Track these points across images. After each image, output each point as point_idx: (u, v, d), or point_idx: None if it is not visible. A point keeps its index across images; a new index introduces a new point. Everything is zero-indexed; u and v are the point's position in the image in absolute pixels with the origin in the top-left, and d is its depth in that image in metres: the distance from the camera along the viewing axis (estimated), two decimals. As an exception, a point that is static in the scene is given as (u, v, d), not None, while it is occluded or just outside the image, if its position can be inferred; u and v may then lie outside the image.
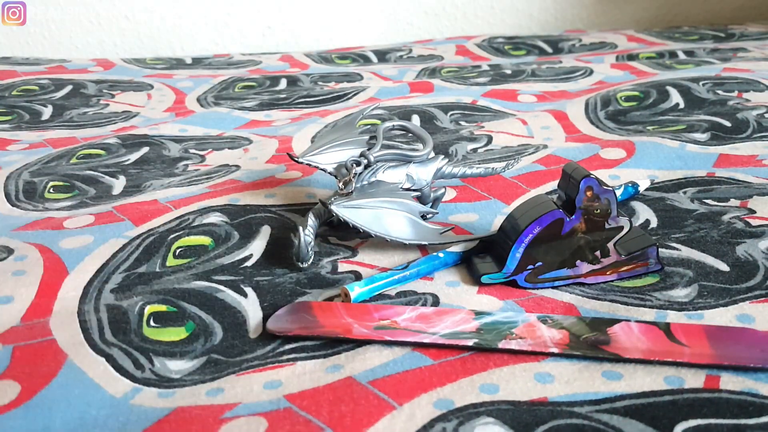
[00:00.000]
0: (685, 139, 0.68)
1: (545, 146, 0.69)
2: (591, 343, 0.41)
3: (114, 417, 0.37)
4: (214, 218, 0.56)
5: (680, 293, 0.46)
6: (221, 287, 0.48)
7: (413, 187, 0.54)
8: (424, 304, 0.46)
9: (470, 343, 0.41)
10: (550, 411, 0.37)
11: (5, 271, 0.49)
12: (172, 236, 0.53)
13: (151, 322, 0.44)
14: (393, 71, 0.99)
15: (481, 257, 0.49)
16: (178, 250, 0.52)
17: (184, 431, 0.36)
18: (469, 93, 0.85)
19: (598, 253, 0.47)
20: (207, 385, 0.39)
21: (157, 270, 0.50)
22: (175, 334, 0.43)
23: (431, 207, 0.56)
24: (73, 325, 0.44)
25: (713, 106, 0.76)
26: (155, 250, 0.52)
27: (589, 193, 0.46)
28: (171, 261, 0.51)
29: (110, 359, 0.41)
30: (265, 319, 0.44)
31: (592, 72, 0.93)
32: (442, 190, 0.57)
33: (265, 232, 0.54)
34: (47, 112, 0.84)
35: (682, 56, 1.00)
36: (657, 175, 0.62)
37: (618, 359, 0.40)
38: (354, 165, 0.53)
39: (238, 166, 0.67)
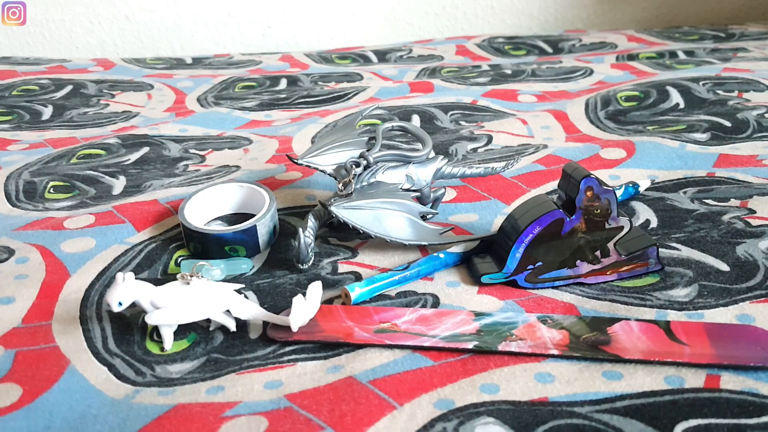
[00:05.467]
0: (685, 139, 0.68)
1: (545, 146, 0.69)
2: (591, 344, 0.41)
3: (114, 414, 0.37)
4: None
5: (680, 293, 0.46)
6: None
7: (413, 188, 0.54)
8: (424, 305, 0.46)
9: (470, 346, 0.41)
10: (551, 411, 0.37)
11: (6, 273, 0.49)
12: (173, 245, 0.53)
13: (155, 336, 0.44)
14: (393, 71, 0.99)
15: (482, 257, 0.49)
16: (179, 259, 0.52)
17: (185, 429, 0.36)
18: (469, 93, 0.85)
19: (598, 253, 0.47)
20: (207, 383, 0.39)
21: (159, 277, 0.50)
22: (177, 345, 0.43)
23: (431, 207, 0.56)
24: (75, 331, 0.44)
25: (713, 106, 0.76)
26: (156, 257, 0.52)
27: (589, 193, 0.46)
28: (173, 269, 0.51)
29: (112, 369, 0.41)
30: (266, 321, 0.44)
31: (592, 72, 0.93)
32: (442, 190, 0.57)
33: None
34: (47, 112, 0.84)
35: (682, 56, 1.00)
36: (657, 175, 0.62)
37: (618, 360, 0.40)
38: (353, 166, 0.53)
39: (238, 167, 0.67)
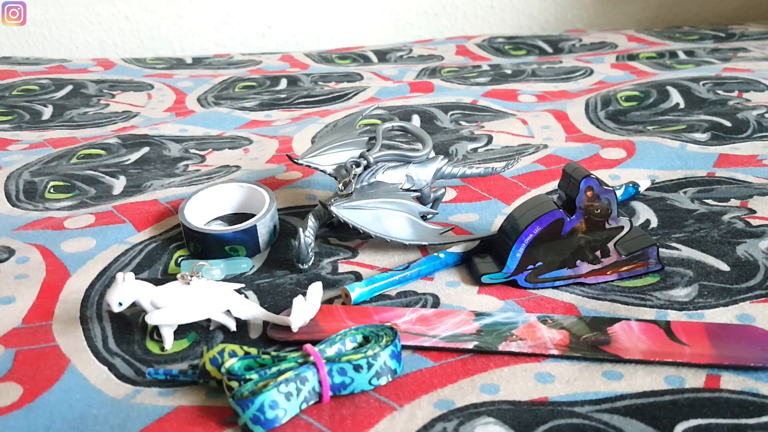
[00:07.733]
0: (686, 139, 0.68)
1: (545, 146, 0.69)
2: (591, 344, 0.41)
3: (114, 414, 0.37)
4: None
5: (680, 293, 0.46)
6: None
7: (413, 188, 0.54)
8: (424, 305, 0.46)
9: (470, 346, 0.41)
10: (551, 411, 0.37)
11: (7, 273, 0.49)
12: (173, 245, 0.53)
13: (155, 336, 0.44)
14: (393, 71, 0.99)
15: (482, 257, 0.49)
16: (179, 259, 0.52)
17: None
18: (469, 93, 0.85)
19: (598, 253, 0.47)
20: (207, 385, 0.39)
21: (159, 277, 0.50)
22: (177, 345, 0.43)
23: (431, 207, 0.56)
24: (75, 331, 0.44)
25: (713, 106, 0.76)
26: (157, 257, 0.52)
27: (589, 193, 0.46)
28: (173, 269, 0.51)
29: (113, 368, 0.41)
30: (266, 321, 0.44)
31: (592, 72, 0.93)
32: (442, 190, 0.57)
33: (266, 232, 0.54)
34: (47, 112, 0.84)
35: (682, 56, 1.00)
36: (657, 175, 0.62)
37: (618, 360, 0.40)
38: (354, 166, 0.53)
39: (238, 167, 0.67)
